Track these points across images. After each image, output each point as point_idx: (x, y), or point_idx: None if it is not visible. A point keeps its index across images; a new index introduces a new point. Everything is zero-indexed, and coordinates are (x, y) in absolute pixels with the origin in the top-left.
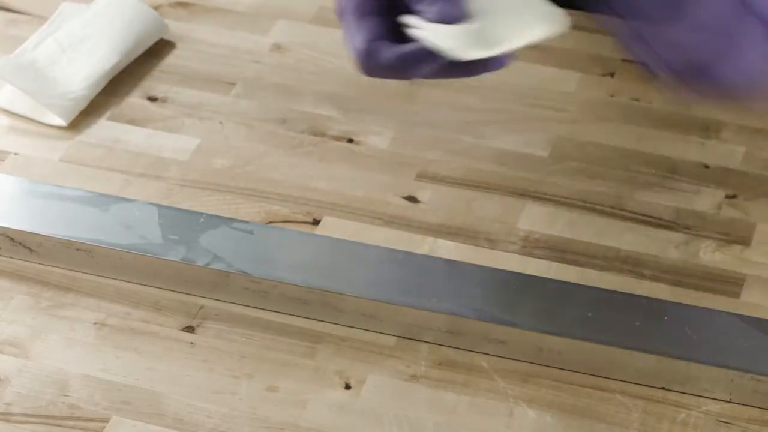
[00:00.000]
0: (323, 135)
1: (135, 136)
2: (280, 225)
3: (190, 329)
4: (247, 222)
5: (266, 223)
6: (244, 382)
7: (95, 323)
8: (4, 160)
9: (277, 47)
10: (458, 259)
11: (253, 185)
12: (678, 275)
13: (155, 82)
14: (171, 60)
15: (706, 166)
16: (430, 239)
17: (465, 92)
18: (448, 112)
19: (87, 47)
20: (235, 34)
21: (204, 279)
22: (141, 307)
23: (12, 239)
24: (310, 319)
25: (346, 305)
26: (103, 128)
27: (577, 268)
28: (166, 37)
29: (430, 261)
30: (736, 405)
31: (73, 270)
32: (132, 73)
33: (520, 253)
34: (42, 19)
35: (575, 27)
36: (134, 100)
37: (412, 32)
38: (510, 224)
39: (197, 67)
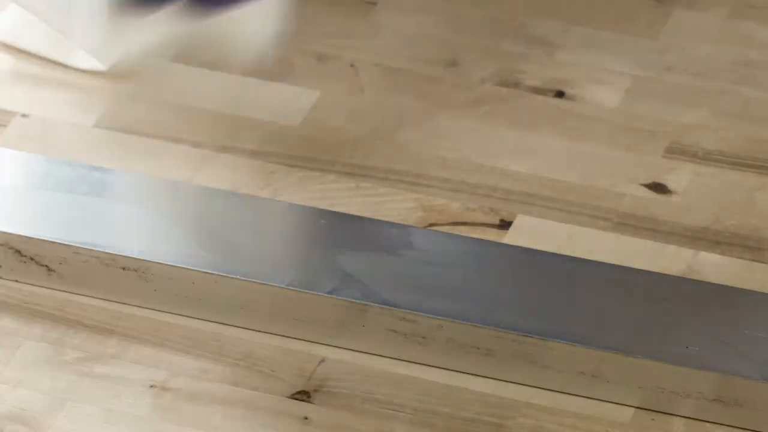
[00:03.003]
0: (516, 85)
1: (214, 88)
2: (446, 229)
3: (303, 396)
4: (395, 224)
5: (425, 227)
6: None
7: (152, 386)
8: (6, 126)
9: None
10: (730, 281)
11: (403, 165)
12: None
13: None
14: None
15: None
16: (688, 252)
17: (745, 15)
18: (714, 48)
19: None
20: None
21: (326, 316)
22: (225, 360)
23: (19, 252)
24: (496, 380)
25: (554, 358)
26: (165, 75)
27: None
28: None
29: (687, 286)
30: None
31: (116, 302)
32: None
33: None
34: None
35: None
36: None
37: None
38: None
39: None
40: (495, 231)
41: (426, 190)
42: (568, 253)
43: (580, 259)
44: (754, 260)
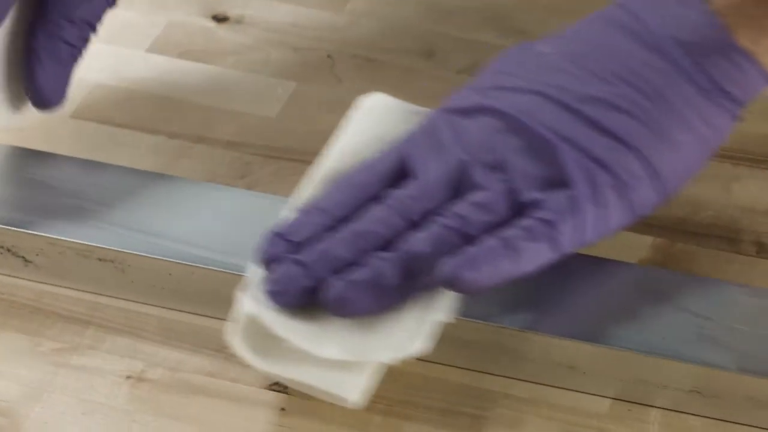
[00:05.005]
0: None
1: (191, 78)
2: None
3: (280, 387)
4: None
5: None
6: None
7: (128, 377)
8: None
9: None
10: (707, 272)
11: None
12: None
13: None
14: None
15: None
16: (665, 242)
17: None
18: None
19: None
20: None
21: None
22: (202, 351)
23: None
24: (474, 371)
25: (532, 349)
26: (138, 64)
27: None
28: None
29: (664, 277)
30: None
31: (93, 293)
32: None
33: None
34: None
35: None
36: (191, 20)
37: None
38: None
39: None
40: None
41: None
42: None
43: None
44: (730, 251)
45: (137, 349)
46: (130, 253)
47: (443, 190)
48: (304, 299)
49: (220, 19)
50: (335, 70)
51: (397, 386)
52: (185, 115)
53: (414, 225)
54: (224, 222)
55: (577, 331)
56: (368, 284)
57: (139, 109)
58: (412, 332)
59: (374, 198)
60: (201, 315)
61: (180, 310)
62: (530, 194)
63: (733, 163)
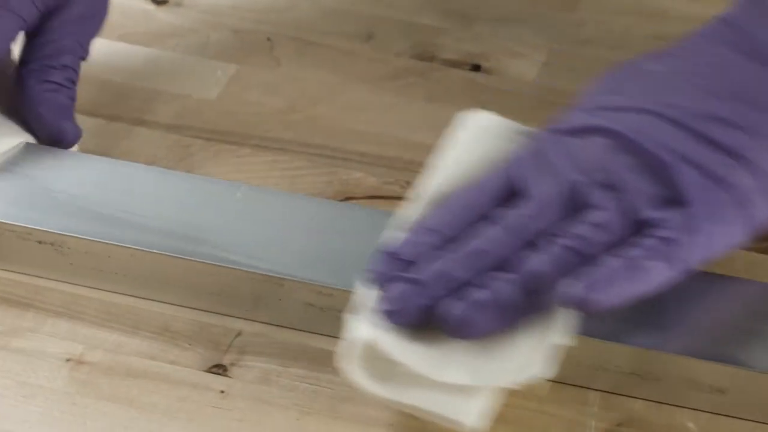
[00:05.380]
0: (432, 58)
1: (131, 61)
2: (363, 203)
3: (219, 369)
4: (311, 198)
5: (342, 200)
6: None
7: (68, 360)
8: None
9: None
10: None
11: (320, 139)
12: None
13: None
14: None
15: None
16: None
17: None
18: (630, 21)
19: None
20: None
21: (243, 290)
22: (142, 333)
23: None
24: None
25: None
26: None
27: None
28: None
29: None
30: None
31: (32, 276)
32: None
33: None
34: None
35: None
36: (130, 3)
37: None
38: None
39: None
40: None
41: (343, 164)
42: None
43: None
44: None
45: (77, 331)
46: (70, 236)
47: (557, 210)
48: (420, 319)
49: (159, 1)
50: (275, 53)
51: (338, 369)
52: (125, 97)
53: (529, 245)
54: (163, 205)
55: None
56: (490, 305)
57: (79, 92)
58: (531, 355)
59: (483, 218)
60: (140, 298)
61: (120, 293)
62: (648, 213)
63: None
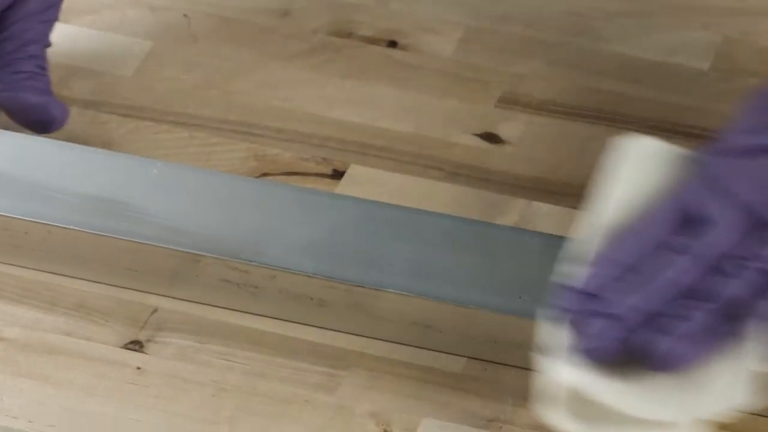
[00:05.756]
0: (349, 35)
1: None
2: (279, 179)
3: (136, 346)
4: (227, 175)
5: (258, 176)
6: None
7: None
8: None
9: None
10: (564, 231)
11: (236, 116)
12: None
13: None
14: None
15: None
16: (521, 201)
17: None
18: None
19: None
20: None
21: (159, 266)
22: (59, 310)
23: None
24: (329, 330)
25: (387, 309)
26: None
27: None
28: None
29: (519, 237)
30: None
31: None
32: None
33: None
34: None
35: None
36: None
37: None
38: None
39: None
40: (328, 181)
41: (259, 140)
42: (400, 203)
43: (412, 208)
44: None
45: None
46: None
47: (740, 234)
48: (618, 354)
49: None
50: (191, 29)
51: (253, 345)
52: None
53: (715, 271)
54: (80, 181)
55: (433, 290)
56: (696, 337)
57: None
58: (731, 383)
59: (659, 247)
60: (58, 274)
61: (37, 269)
62: None
63: (588, 122)
